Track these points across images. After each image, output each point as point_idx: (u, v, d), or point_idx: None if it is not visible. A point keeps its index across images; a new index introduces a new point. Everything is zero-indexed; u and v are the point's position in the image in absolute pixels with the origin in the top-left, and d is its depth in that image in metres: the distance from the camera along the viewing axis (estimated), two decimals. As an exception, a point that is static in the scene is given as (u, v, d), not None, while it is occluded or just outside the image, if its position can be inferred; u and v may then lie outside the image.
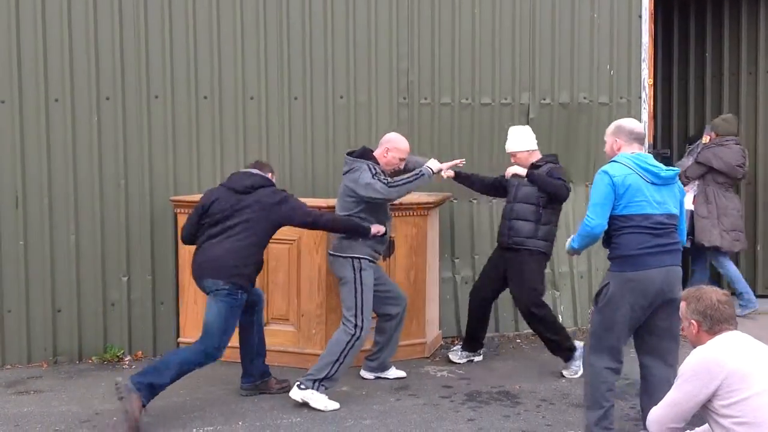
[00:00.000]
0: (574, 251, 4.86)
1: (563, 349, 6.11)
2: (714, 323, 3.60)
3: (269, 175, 5.47)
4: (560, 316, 7.33)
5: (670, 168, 4.70)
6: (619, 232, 4.58)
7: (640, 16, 7.47)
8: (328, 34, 6.78)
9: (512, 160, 6.22)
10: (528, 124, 7.19)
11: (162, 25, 6.43)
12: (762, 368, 3.46)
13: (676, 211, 4.64)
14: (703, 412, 3.57)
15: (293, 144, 6.76)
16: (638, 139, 4.80)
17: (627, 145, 4.77)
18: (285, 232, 6.16)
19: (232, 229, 5.16)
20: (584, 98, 7.38)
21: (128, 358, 6.45)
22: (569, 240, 4.87)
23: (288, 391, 5.49)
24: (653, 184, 4.59)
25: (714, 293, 3.67)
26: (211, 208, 5.25)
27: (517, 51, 7.21)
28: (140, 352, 6.50)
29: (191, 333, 6.48)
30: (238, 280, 5.11)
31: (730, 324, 3.62)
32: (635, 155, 4.67)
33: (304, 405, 5.38)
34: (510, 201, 6.18)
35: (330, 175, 6.83)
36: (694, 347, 3.65)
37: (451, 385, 5.87)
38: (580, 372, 5.86)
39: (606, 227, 4.59)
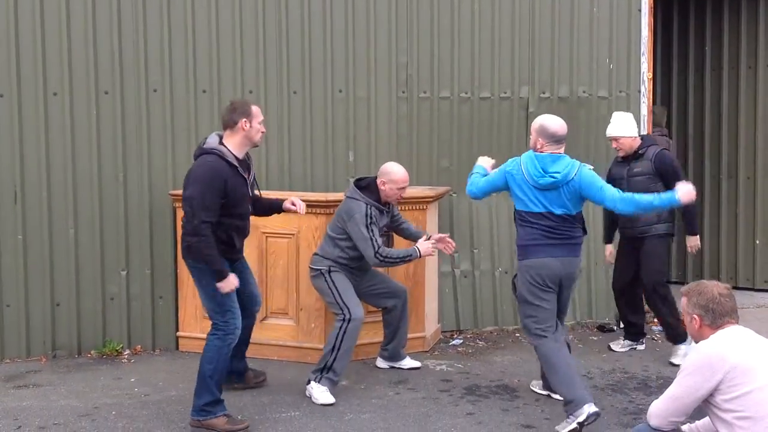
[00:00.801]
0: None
1: (677, 334, 6.28)
2: (716, 317, 3.58)
3: (241, 123, 4.89)
4: (559, 310, 7.33)
5: (554, 174, 4.91)
6: (517, 224, 5.13)
7: (640, 10, 7.45)
8: (327, 28, 6.76)
9: (614, 145, 6.34)
10: (527, 118, 7.19)
11: (161, 19, 6.42)
12: (764, 363, 3.45)
13: (564, 210, 4.97)
14: (705, 406, 3.56)
15: (292, 138, 6.75)
16: (558, 141, 5.02)
17: (548, 145, 4.99)
18: (284, 225, 6.18)
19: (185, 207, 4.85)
20: (584, 92, 7.37)
21: (127, 352, 6.45)
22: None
23: (264, 384, 5.60)
24: (535, 187, 4.95)
25: (715, 287, 3.65)
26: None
27: (516, 45, 7.20)
28: (139, 347, 6.50)
29: (190, 328, 6.50)
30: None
31: (732, 317, 3.60)
32: (539, 156, 4.96)
33: (304, 400, 5.39)
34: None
35: (329, 169, 6.83)
36: (696, 342, 3.64)
37: (450, 379, 5.87)
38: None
39: (477, 198, 5.32)
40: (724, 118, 8.62)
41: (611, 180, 6.25)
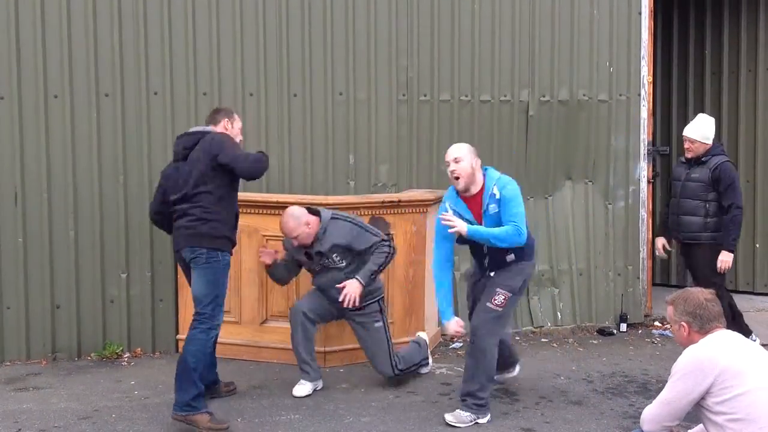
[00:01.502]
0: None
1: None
2: (704, 322, 3.63)
3: (223, 122, 5.17)
4: (559, 314, 7.34)
5: None
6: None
7: (640, 13, 7.46)
8: (328, 31, 6.77)
9: (686, 146, 6.33)
10: (527, 121, 7.20)
11: (161, 21, 6.42)
12: (754, 365, 3.49)
13: None
14: (697, 410, 3.58)
15: (292, 140, 6.76)
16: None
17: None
18: (284, 229, 6.18)
19: (192, 193, 4.96)
20: (584, 95, 7.37)
21: (127, 355, 6.45)
22: (487, 234, 5.00)
23: (235, 392, 5.54)
24: None
25: (700, 293, 3.72)
26: (168, 191, 5.12)
27: (516, 48, 7.21)
28: (139, 349, 6.50)
29: (190, 330, 6.50)
30: (217, 243, 4.96)
31: (720, 322, 3.65)
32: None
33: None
34: (675, 196, 6.43)
35: (329, 172, 6.83)
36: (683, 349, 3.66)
37: (450, 383, 5.87)
38: None
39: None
40: (724, 121, 8.62)
41: (673, 179, 6.42)
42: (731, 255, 6.26)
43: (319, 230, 5.51)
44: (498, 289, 5.08)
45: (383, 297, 5.80)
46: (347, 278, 5.47)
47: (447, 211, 5.09)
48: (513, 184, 5.08)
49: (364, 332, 5.70)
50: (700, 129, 6.30)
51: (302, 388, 5.55)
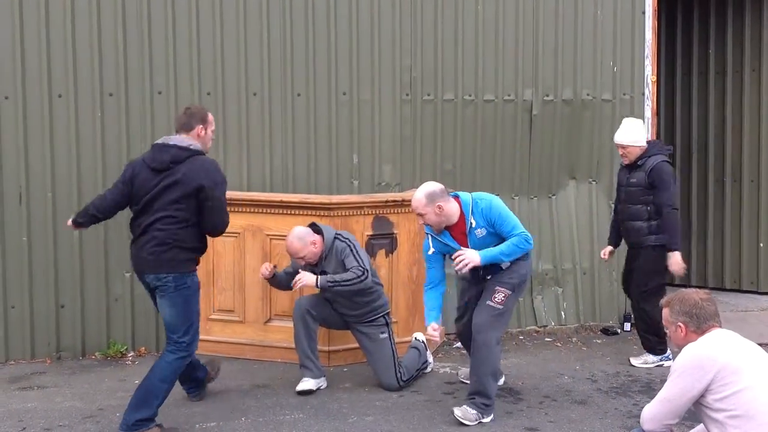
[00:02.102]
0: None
1: (651, 347, 6.32)
2: (701, 321, 3.64)
3: (197, 129, 4.83)
4: (563, 313, 7.34)
5: None
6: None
7: (644, 13, 7.45)
8: (331, 31, 6.77)
9: (620, 152, 6.28)
10: (531, 120, 7.20)
11: (165, 21, 6.43)
12: (752, 362, 3.50)
13: None
14: (697, 408, 3.59)
15: (296, 140, 6.76)
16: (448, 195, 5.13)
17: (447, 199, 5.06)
18: (288, 228, 6.16)
19: (159, 214, 4.68)
20: (587, 95, 7.37)
21: (131, 354, 6.46)
22: (499, 255, 5.05)
23: (218, 375, 5.61)
24: None
25: (695, 293, 3.73)
26: (134, 190, 4.79)
27: (520, 47, 7.20)
28: (143, 348, 6.51)
29: (194, 329, 6.50)
30: (182, 268, 4.74)
31: (716, 321, 3.66)
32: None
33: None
34: (620, 202, 6.39)
35: (333, 172, 6.83)
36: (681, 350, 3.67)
37: (454, 382, 5.87)
38: (651, 366, 6.26)
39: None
40: (728, 121, 8.61)
41: (618, 185, 6.34)
42: (677, 254, 6.09)
43: (324, 249, 5.53)
44: (498, 287, 5.10)
45: (389, 312, 5.82)
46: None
47: (429, 246, 5.19)
48: (488, 200, 5.07)
49: (370, 343, 5.73)
50: (628, 133, 6.20)
51: (305, 384, 5.57)
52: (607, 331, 7.28)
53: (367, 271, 5.45)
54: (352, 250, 5.52)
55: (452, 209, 5.04)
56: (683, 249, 8.84)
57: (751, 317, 7.56)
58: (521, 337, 7.07)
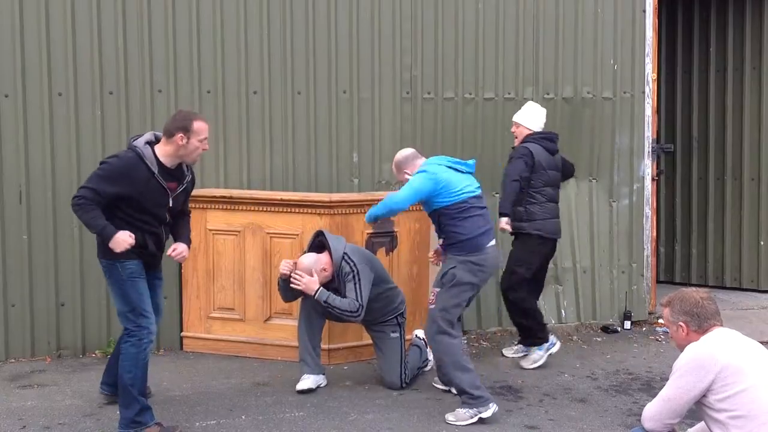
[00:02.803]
0: (373, 219, 5.41)
1: (533, 335, 6.20)
2: (702, 321, 3.63)
3: (177, 137, 4.63)
4: (563, 311, 7.34)
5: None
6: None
7: (644, 11, 7.45)
8: (332, 29, 6.77)
9: (512, 130, 6.32)
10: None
11: (165, 20, 6.43)
12: (754, 361, 3.50)
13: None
14: (698, 407, 3.58)
15: (296, 139, 6.76)
16: (416, 155, 5.40)
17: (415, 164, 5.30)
18: (288, 226, 6.19)
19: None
20: (588, 93, 7.36)
21: (131, 352, 6.45)
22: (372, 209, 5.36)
23: (150, 395, 5.23)
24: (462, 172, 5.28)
25: (695, 292, 3.72)
26: None
27: (520, 45, 7.20)
28: (143, 346, 6.50)
29: (194, 328, 6.51)
30: (111, 255, 4.64)
31: (717, 320, 3.65)
32: (437, 158, 5.31)
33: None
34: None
35: (333, 170, 6.83)
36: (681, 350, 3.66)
37: (454, 380, 5.87)
38: (540, 362, 6.14)
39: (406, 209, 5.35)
40: (728, 119, 8.61)
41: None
42: (503, 218, 6.01)
43: (334, 269, 5.51)
44: (432, 287, 5.29)
45: (402, 312, 5.80)
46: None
47: None
48: (427, 165, 5.22)
49: (380, 341, 5.74)
50: (525, 114, 6.22)
51: (304, 383, 5.56)
52: (607, 329, 7.28)
53: (362, 308, 5.40)
54: (354, 278, 5.45)
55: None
56: (684, 247, 8.91)
57: (752, 315, 7.56)
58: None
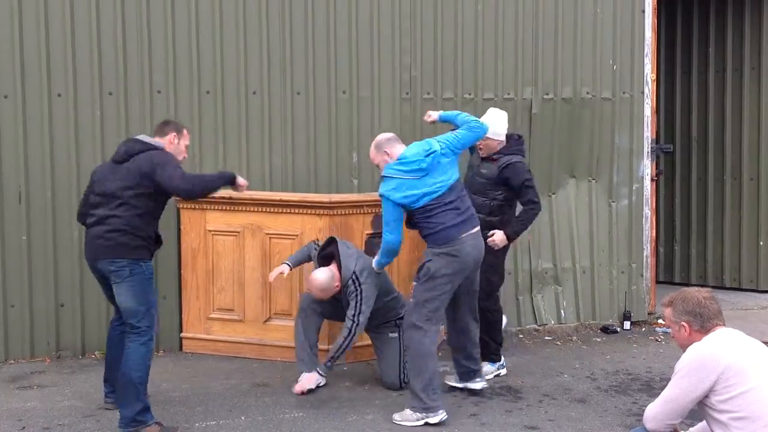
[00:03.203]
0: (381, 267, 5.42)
1: (491, 353, 5.98)
2: (705, 320, 3.60)
3: (170, 136, 4.98)
4: (563, 312, 7.34)
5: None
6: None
7: (644, 11, 7.45)
8: (331, 29, 6.77)
9: (479, 144, 5.87)
10: (531, 119, 7.20)
11: (164, 20, 6.43)
12: (757, 362, 3.48)
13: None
14: (700, 408, 3.57)
15: (295, 139, 6.76)
16: (397, 139, 5.32)
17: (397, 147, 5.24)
18: (287, 227, 6.19)
19: (114, 202, 4.78)
20: (587, 93, 7.37)
21: (131, 352, 6.45)
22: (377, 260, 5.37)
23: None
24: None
25: (697, 292, 3.69)
26: (95, 185, 4.93)
27: (520, 46, 7.20)
28: (143, 347, 6.50)
29: (194, 328, 6.51)
30: (137, 254, 4.78)
31: (719, 319, 3.62)
32: (400, 161, 5.13)
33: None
34: (466, 188, 5.87)
35: (332, 170, 6.83)
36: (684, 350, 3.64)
37: (454, 380, 5.87)
38: (488, 376, 5.87)
39: (401, 240, 5.21)
40: (727, 119, 8.62)
41: (469, 165, 6.09)
42: (506, 240, 5.77)
43: (343, 281, 5.50)
44: (413, 281, 5.25)
45: (401, 315, 5.74)
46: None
47: None
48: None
49: (380, 342, 5.76)
50: (497, 126, 5.86)
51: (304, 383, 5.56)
52: (607, 330, 7.28)
53: (357, 326, 5.38)
54: (356, 297, 5.45)
55: (401, 152, 5.22)
56: (683, 247, 8.91)
57: (751, 315, 7.57)
58: (521, 336, 7.07)
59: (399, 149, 5.21)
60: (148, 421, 4.73)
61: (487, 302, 5.86)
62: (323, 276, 5.47)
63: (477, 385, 5.51)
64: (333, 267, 5.51)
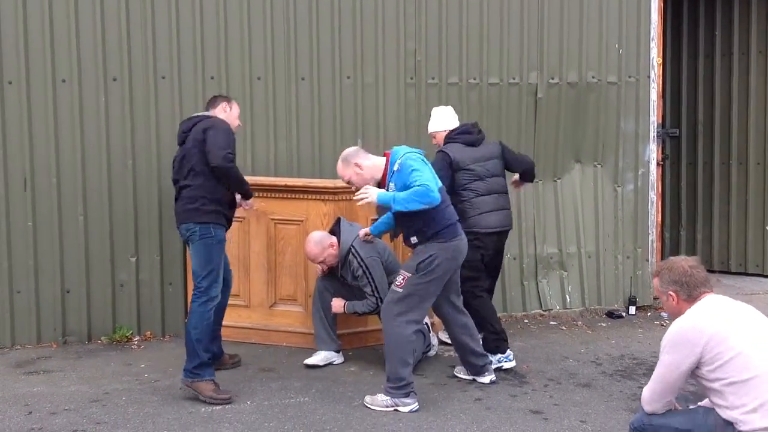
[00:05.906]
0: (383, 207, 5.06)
1: (495, 345, 5.87)
2: (692, 289, 3.61)
3: (222, 105, 5.43)
4: (568, 297, 7.34)
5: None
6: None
7: (650, -5, 7.42)
8: (335, 14, 6.75)
9: (433, 141, 6.07)
10: (536, 103, 7.18)
11: (168, 5, 6.41)
12: (742, 326, 3.48)
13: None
14: (695, 379, 3.58)
15: (300, 124, 6.75)
16: (364, 151, 5.20)
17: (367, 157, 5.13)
18: (293, 212, 6.19)
19: (186, 173, 5.20)
20: (593, 77, 7.34)
21: (137, 338, 6.48)
22: (392, 198, 4.86)
23: (240, 365, 5.76)
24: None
25: (684, 261, 3.69)
26: (174, 164, 5.38)
27: (525, 30, 7.17)
28: (149, 333, 6.52)
29: (199, 313, 6.52)
30: (208, 218, 5.15)
31: (707, 287, 3.63)
32: (412, 150, 5.10)
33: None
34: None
35: (337, 156, 6.73)
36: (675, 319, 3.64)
37: (459, 365, 5.87)
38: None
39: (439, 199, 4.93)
40: (734, 103, 8.59)
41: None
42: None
43: (340, 255, 5.61)
44: (401, 270, 5.10)
45: None
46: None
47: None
48: (411, 153, 4.98)
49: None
50: (432, 123, 6.05)
51: (312, 358, 5.75)
52: (612, 315, 7.28)
53: (380, 300, 5.49)
54: (365, 273, 5.58)
55: (375, 163, 5.09)
56: (689, 232, 8.89)
57: (757, 300, 7.55)
58: (526, 321, 7.08)
59: (369, 159, 5.09)
60: (204, 377, 5.07)
61: (473, 299, 5.78)
62: (317, 232, 5.74)
63: (485, 378, 5.50)
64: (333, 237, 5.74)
